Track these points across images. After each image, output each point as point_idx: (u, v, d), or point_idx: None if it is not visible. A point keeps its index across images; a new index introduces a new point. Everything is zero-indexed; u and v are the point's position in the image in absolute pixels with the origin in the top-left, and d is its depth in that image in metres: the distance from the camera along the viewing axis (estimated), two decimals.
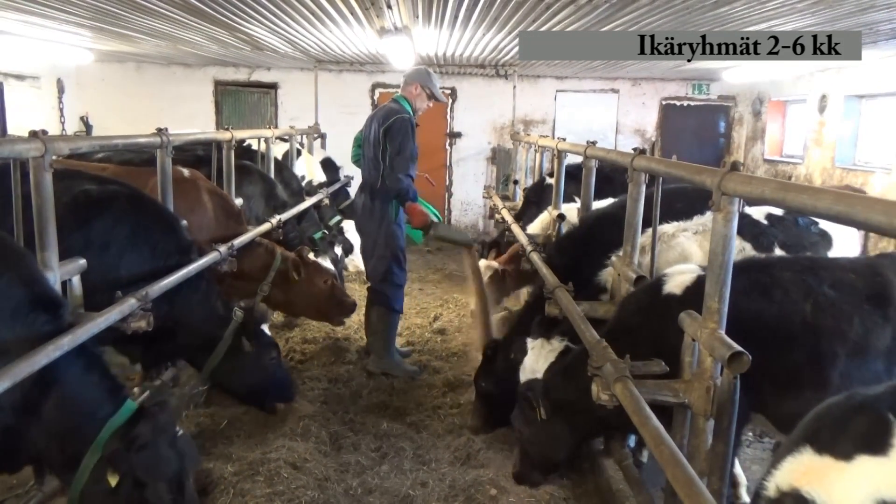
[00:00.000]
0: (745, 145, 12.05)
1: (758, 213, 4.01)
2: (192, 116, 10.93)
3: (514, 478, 3.64)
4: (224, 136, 5.31)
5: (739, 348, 2.24)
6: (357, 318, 6.39)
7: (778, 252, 3.82)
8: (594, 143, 4.65)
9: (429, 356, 5.99)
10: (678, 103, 12.29)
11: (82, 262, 3.27)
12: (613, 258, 3.74)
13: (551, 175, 5.92)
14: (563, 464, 3.67)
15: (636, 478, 3.54)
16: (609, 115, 12.26)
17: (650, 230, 3.61)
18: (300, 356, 5.82)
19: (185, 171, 4.79)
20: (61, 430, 2.64)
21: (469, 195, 12.29)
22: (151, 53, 10.05)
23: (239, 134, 5.57)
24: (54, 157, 2.96)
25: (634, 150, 3.53)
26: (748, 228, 3.82)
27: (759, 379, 2.41)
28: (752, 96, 11.80)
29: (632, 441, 3.91)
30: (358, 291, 7.14)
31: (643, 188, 3.49)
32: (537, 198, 6.66)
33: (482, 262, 5.76)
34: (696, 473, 1.88)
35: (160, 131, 4.09)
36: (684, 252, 3.86)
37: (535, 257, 4.48)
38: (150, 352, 4.00)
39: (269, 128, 7.17)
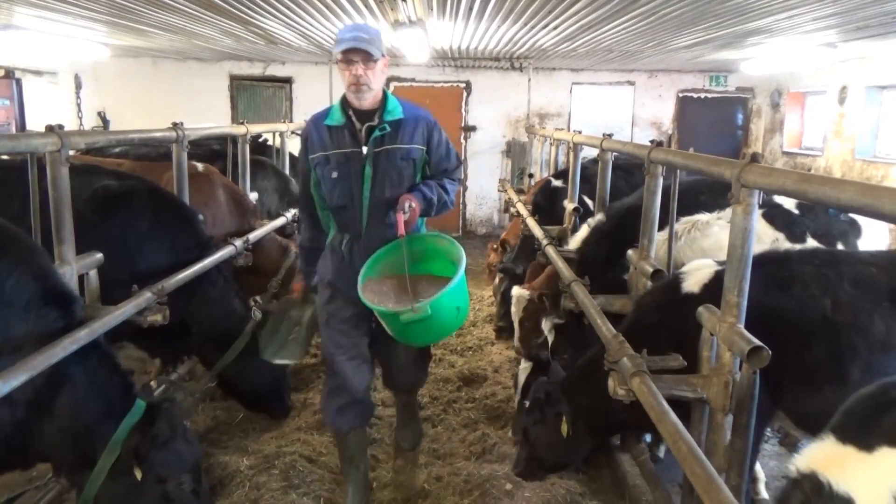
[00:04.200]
0: (764, 137, 11.90)
1: (789, 202, 3.96)
2: (208, 111, 10.97)
3: (519, 476, 3.59)
4: (239, 130, 5.32)
5: (759, 343, 2.20)
6: None
7: (810, 241, 3.75)
8: (610, 135, 4.60)
9: (443, 350, 5.98)
10: (695, 95, 12.15)
11: (99, 256, 3.29)
12: (631, 252, 3.70)
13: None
14: (577, 462, 3.65)
15: (653, 473, 3.51)
16: (625, 107, 12.14)
17: (684, 219, 3.59)
18: (314, 349, 5.81)
19: (199, 166, 4.81)
20: (75, 430, 2.62)
21: (484, 189, 12.23)
22: (167, 48, 10.10)
23: (254, 128, 5.58)
24: (71, 152, 2.98)
25: (651, 142, 3.49)
26: (781, 218, 3.76)
27: (777, 375, 2.37)
28: (770, 88, 11.64)
29: (648, 436, 3.88)
30: None
31: (660, 181, 3.45)
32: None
33: (515, 290, 4.78)
34: (714, 469, 1.86)
35: (176, 126, 4.11)
36: (718, 241, 3.80)
37: (550, 251, 4.45)
38: (168, 346, 4.02)
39: (284, 122, 7.17)
